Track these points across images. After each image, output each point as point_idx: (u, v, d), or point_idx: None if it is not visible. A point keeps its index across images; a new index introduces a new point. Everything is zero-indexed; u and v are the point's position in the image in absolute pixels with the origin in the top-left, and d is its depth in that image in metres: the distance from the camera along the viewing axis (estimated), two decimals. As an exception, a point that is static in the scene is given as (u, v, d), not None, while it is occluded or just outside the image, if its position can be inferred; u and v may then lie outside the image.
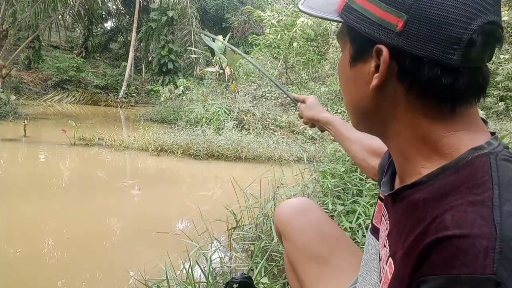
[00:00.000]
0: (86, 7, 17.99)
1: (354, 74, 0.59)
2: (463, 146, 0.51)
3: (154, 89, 18.11)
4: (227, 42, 10.90)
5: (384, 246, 0.66)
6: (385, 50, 0.52)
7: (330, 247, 0.99)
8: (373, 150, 1.02)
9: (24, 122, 8.04)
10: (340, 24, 0.60)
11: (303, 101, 1.26)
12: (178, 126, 9.22)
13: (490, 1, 0.49)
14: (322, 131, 1.22)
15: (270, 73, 11.06)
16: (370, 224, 0.77)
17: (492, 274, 0.40)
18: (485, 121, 0.57)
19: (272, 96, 10.15)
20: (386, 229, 0.65)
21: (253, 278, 1.35)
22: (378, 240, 0.73)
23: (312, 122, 1.23)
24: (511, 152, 0.52)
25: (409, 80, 0.52)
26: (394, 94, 0.54)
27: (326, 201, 2.53)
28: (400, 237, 0.55)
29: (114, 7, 23.56)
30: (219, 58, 10.53)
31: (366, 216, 2.20)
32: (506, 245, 0.41)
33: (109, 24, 26.14)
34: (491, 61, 8.17)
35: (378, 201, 0.74)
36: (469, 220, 0.44)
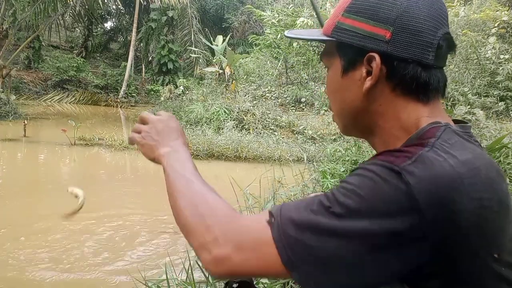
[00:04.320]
0: (86, 7, 17.99)
1: (346, 82, 0.72)
2: (427, 124, 0.66)
3: (154, 89, 18.12)
4: (227, 42, 10.91)
5: None
6: (377, 57, 0.66)
7: None
8: None
9: (24, 122, 8.04)
10: (324, 46, 0.77)
11: None
12: (178, 126, 9.20)
13: (444, 17, 0.68)
14: None
15: (270, 73, 11.07)
16: None
17: (398, 166, 0.55)
18: (465, 122, 0.70)
19: (272, 96, 10.15)
20: None
21: (253, 278, 1.35)
22: None
23: None
24: (470, 133, 0.67)
25: (396, 79, 0.67)
26: (382, 93, 0.69)
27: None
28: None
29: (114, 7, 23.56)
30: (219, 58, 10.54)
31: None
32: (420, 160, 0.56)
33: (109, 24, 26.16)
34: (491, 61, 8.18)
35: None
36: (407, 149, 0.60)
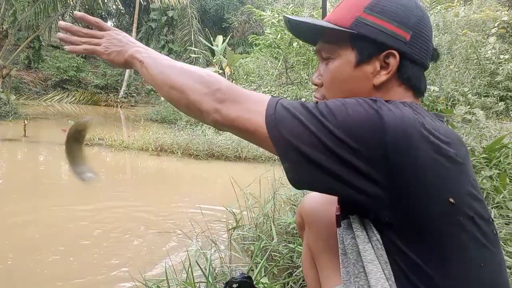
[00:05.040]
0: (86, 7, 17.99)
1: (357, 74, 0.76)
2: None
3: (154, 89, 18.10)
4: (227, 42, 10.90)
5: None
6: (397, 54, 0.74)
7: None
8: None
9: (24, 122, 8.04)
10: (326, 36, 0.80)
11: None
12: (178, 126, 9.22)
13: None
14: None
15: (270, 73, 11.06)
16: None
17: (376, 98, 0.67)
18: (441, 115, 0.78)
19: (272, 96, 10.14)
20: None
21: (253, 278, 1.35)
22: None
23: None
24: (442, 120, 0.75)
25: (405, 76, 0.75)
26: (388, 86, 0.76)
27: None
28: None
29: (114, 7, 23.55)
30: (219, 58, 10.53)
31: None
32: (393, 103, 0.67)
33: (109, 24, 26.06)
34: (491, 61, 8.17)
35: None
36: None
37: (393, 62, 0.74)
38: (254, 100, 0.71)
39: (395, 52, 0.74)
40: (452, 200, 0.65)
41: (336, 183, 0.65)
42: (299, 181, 0.70)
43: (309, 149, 0.65)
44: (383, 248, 0.66)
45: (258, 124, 0.69)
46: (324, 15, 1.47)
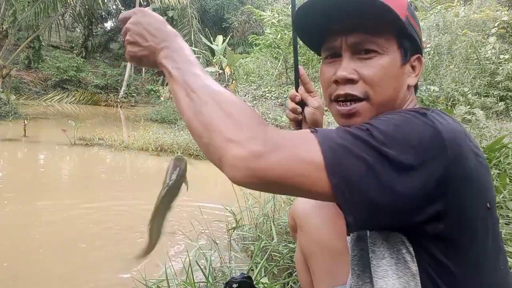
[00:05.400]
0: (86, 7, 17.99)
1: (402, 72, 0.76)
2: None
3: (154, 89, 18.12)
4: (227, 42, 10.90)
5: None
6: (423, 59, 0.79)
7: (344, 243, 1.02)
8: None
9: (24, 122, 8.05)
10: (367, 23, 0.73)
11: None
12: (178, 126, 9.21)
13: None
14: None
15: (270, 73, 11.06)
16: None
17: (422, 109, 0.65)
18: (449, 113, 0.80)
19: (272, 96, 10.14)
20: None
21: (253, 278, 1.35)
22: None
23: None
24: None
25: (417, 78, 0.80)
26: (412, 88, 0.81)
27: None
28: None
29: (114, 7, 23.56)
30: (219, 58, 10.53)
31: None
32: (435, 111, 0.66)
33: (109, 24, 26.11)
34: (491, 61, 8.19)
35: None
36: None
37: (419, 66, 0.79)
38: (301, 144, 0.59)
39: (421, 57, 0.79)
40: (488, 205, 0.66)
41: (405, 219, 0.60)
42: (367, 226, 0.64)
43: (379, 193, 0.57)
44: (414, 260, 0.63)
45: (317, 177, 0.57)
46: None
